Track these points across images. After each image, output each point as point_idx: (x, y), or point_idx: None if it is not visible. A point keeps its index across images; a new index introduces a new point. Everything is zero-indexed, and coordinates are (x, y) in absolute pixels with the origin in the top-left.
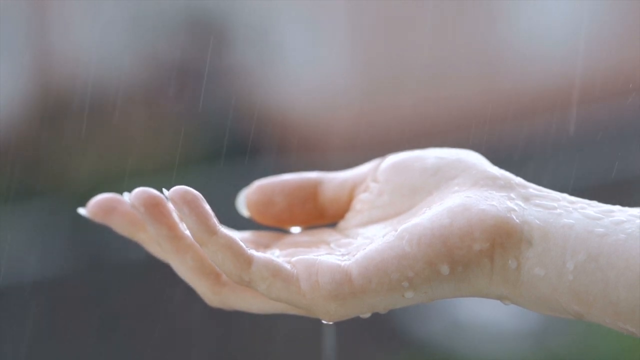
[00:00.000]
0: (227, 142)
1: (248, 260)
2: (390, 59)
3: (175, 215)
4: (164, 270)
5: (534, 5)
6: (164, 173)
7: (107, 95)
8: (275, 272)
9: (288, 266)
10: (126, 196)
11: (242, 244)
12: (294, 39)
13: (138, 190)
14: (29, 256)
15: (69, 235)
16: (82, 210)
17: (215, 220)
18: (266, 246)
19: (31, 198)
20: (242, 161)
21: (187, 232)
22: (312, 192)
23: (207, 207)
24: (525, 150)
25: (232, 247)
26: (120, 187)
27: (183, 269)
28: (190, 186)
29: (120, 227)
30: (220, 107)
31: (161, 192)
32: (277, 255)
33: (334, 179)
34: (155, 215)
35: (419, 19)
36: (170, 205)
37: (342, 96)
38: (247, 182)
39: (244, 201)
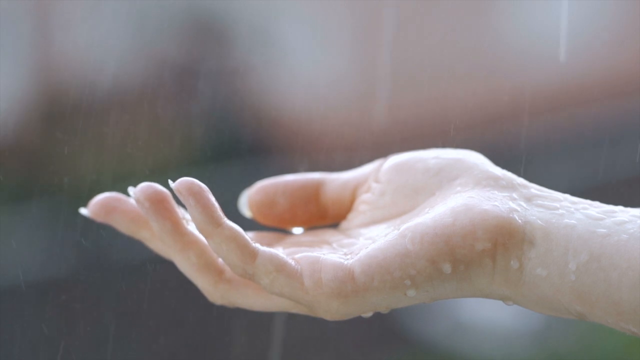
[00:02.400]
0: (228, 143)
1: (252, 253)
2: (392, 59)
3: (179, 211)
4: (166, 270)
5: (535, 5)
6: (165, 173)
7: (108, 96)
8: (279, 266)
9: (292, 262)
10: (131, 191)
11: (247, 236)
12: (296, 39)
13: (143, 185)
14: (29, 257)
15: (69, 236)
16: (83, 210)
17: (220, 212)
18: (268, 246)
19: (31, 198)
20: (244, 162)
21: (190, 229)
22: (314, 192)
23: (213, 199)
24: (526, 150)
25: (237, 240)
26: (122, 187)
27: (186, 265)
28: None
29: (123, 225)
30: (221, 107)
31: (166, 187)
32: (282, 252)
33: (336, 180)
34: (159, 210)
35: (421, 19)
36: (175, 203)
37: (344, 96)
38: (248, 182)
39: (246, 202)
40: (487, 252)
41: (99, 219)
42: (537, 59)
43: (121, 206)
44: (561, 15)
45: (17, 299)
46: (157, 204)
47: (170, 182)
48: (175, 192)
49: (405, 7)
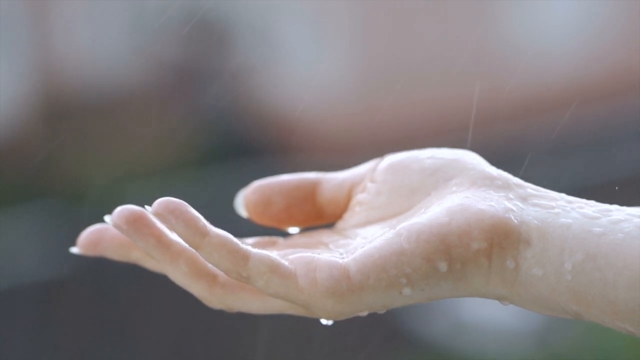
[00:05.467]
0: (228, 143)
1: (245, 256)
2: (391, 59)
3: (159, 224)
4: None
5: (535, 4)
6: (165, 174)
7: (108, 96)
8: (273, 267)
9: (286, 262)
10: (107, 218)
11: (236, 240)
12: (295, 39)
13: (117, 209)
14: (29, 257)
15: (70, 236)
16: (74, 249)
17: (204, 222)
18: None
19: (32, 198)
20: (243, 162)
21: (176, 239)
22: (310, 192)
23: (193, 211)
24: (525, 150)
25: (227, 245)
26: (122, 188)
27: (178, 275)
28: (192, 187)
29: (113, 253)
30: (221, 107)
31: (142, 206)
32: (275, 254)
33: (332, 180)
34: (139, 228)
35: (421, 18)
36: (154, 217)
37: (343, 96)
38: (248, 182)
39: (242, 201)
40: (483, 251)
41: (90, 253)
42: (539, 58)
43: (106, 235)
44: (563, 14)
45: (17, 300)
46: (135, 223)
47: (147, 207)
48: (155, 215)
49: (404, 7)
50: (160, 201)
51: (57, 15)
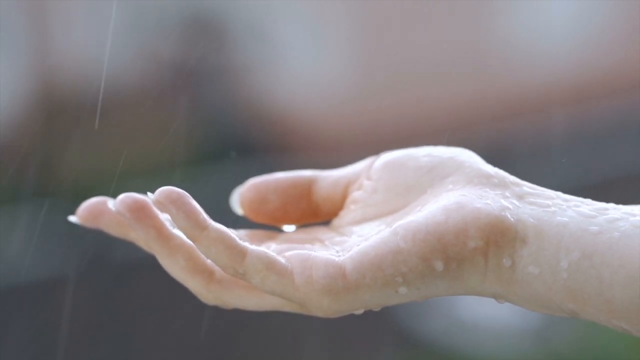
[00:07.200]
0: (226, 142)
1: (242, 253)
2: (390, 58)
3: (161, 216)
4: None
5: (535, 4)
6: (164, 173)
7: (107, 95)
8: (270, 264)
9: (282, 260)
10: (110, 203)
11: (234, 236)
12: (294, 38)
13: (122, 196)
14: (29, 256)
15: (69, 235)
16: (72, 218)
17: (204, 215)
18: (260, 243)
19: (31, 198)
20: (242, 160)
21: (176, 232)
22: (306, 190)
23: (194, 203)
24: (523, 149)
25: (225, 241)
26: (121, 186)
27: (175, 269)
28: (190, 185)
29: (111, 228)
30: (220, 106)
31: (146, 195)
32: (272, 250)
33: (328, 177)
34: (141, 218)
35: (419, 18)
36: (156, 208)
37: (341, 96)
38: (245, 181)
39: (238, 199)
40: (480, 250)
41: (88, 224)
42: (538, 57)
43: (108, 210)
44: (562, 13)
45: (16, 299)
46: (136, 212)
47: (149, 194)
48: (155, 203)
49: (403, 7)
50: (162, 190)
51: (57, 15)
